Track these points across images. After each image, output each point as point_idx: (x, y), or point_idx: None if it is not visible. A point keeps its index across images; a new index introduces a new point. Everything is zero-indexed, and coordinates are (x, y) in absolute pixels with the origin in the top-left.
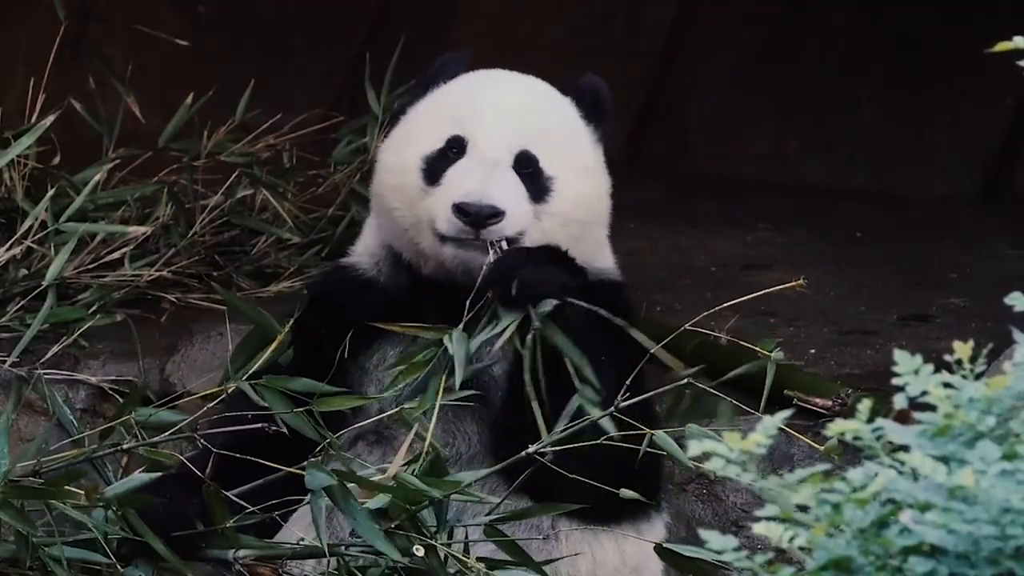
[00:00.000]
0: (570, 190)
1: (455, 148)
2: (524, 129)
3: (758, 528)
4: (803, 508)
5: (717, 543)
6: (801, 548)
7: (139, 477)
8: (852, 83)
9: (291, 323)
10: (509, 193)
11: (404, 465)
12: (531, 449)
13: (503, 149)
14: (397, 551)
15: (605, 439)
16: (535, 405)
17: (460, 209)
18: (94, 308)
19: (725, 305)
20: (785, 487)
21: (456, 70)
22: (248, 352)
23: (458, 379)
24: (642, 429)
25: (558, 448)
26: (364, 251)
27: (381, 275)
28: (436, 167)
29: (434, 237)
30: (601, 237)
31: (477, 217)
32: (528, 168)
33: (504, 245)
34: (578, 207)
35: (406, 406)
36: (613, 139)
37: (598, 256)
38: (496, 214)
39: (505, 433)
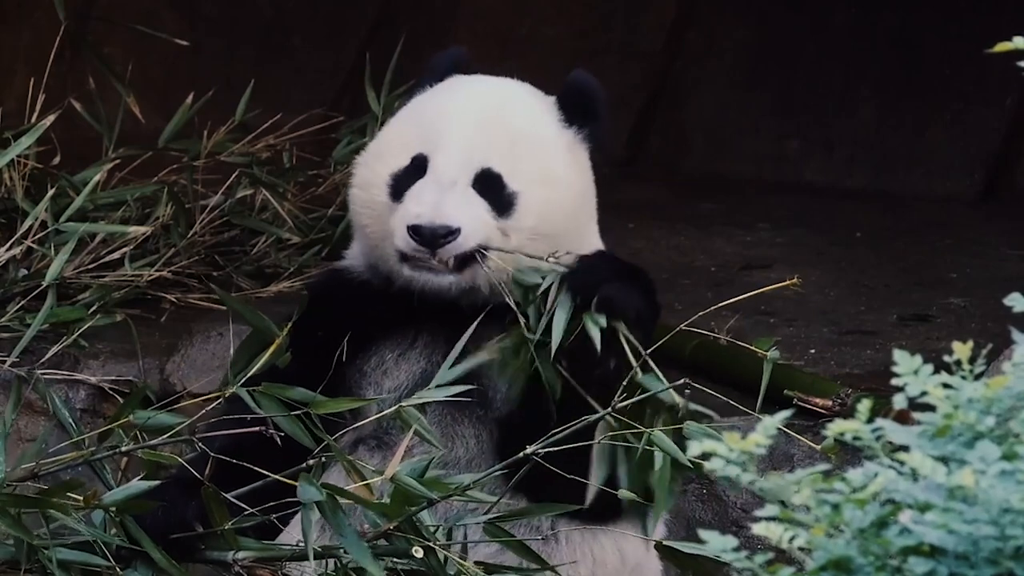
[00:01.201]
0: (534, 203)
1: (420, 166)
2: (485, 145)
3: (758, 528)
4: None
5: (717, 543)
6: (801, 548)
7: (137, 484)
8: (852, 83)
9: (289, 327)
10: (463, 210)
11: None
12: (529, 450)
13: (460, 168)
14: (383, 570)
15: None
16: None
17: (414, 229)
18: (94, 308)
19: (721, 304)
20: (784, 484)
21: (444, 72)
22: (248, 356)
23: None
24: (640, 429)
25: (556, 449)
26: (358, 253)
27: (376, 277)
28: (401, 184)
29: (395, 255)
30: (586, 239)
31: (431, 237)
32: (489, 184)
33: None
34: (544, 221)
35: (404, 403)
36: (613, 139)
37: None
38: (449, 233)
39: (516, 431)
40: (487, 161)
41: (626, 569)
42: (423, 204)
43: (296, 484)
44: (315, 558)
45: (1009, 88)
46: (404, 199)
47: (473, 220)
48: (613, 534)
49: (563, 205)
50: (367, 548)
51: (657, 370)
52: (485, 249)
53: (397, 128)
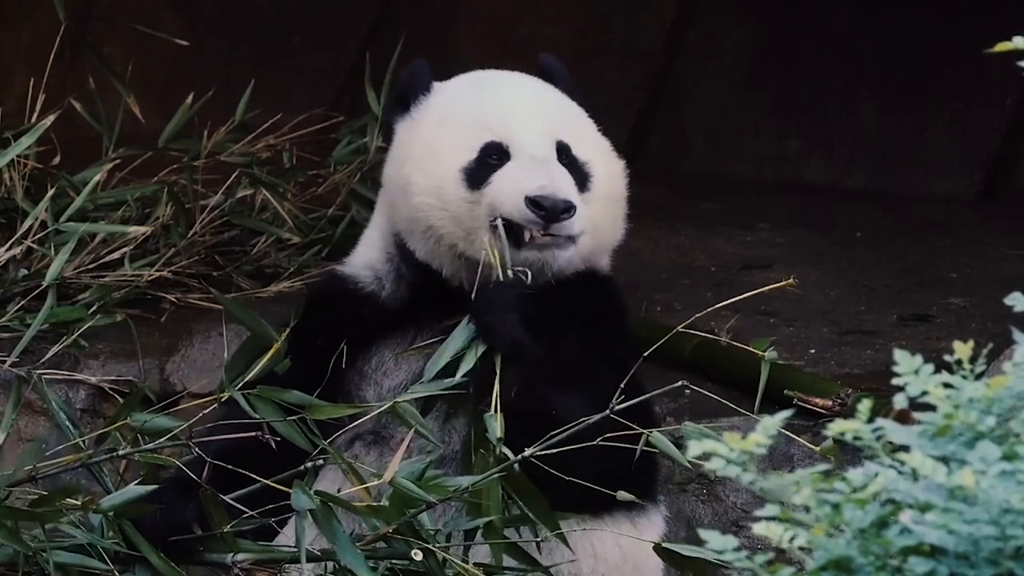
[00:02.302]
0: (602, 171)
1: (494, 155)
2: (551, 121)
3: (758, 528)
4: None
5: (717, 543)
6: (801, 548)
7: (135, 489)
8: (852, 83)
9: (288, 331)
10: (573, 189)
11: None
12: (527, 452)
13: (547, 145)
14: (383, 572)
15: (602, 439)
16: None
17: (535, 202)
18: (94, 308)
19: (719, 306)
20: (785, 484)
21: (426, 80)
22: (246, 359)
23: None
24: (636, 429)
25: (553, 452)
26: (364, 264)
27: (383, 290)
28: (478, 174)
29: (496, 235)
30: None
31: (552, 211)
32: (566, 158)
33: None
34: (615, 184)
35: (400, 399)
36: (613, 139)
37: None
38: (569, 208)
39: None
40: (559, 134)
41: (627, 565)
42: (539, 177)
43: (288, 489)
44: (313, 561)
45: (1009, 88)
46: (492, 182)
47: (579, 202)
48: (612, 529)
49: (619, 169)
50: (361, 555)
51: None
52: (582, 233)
53: (437, 131)
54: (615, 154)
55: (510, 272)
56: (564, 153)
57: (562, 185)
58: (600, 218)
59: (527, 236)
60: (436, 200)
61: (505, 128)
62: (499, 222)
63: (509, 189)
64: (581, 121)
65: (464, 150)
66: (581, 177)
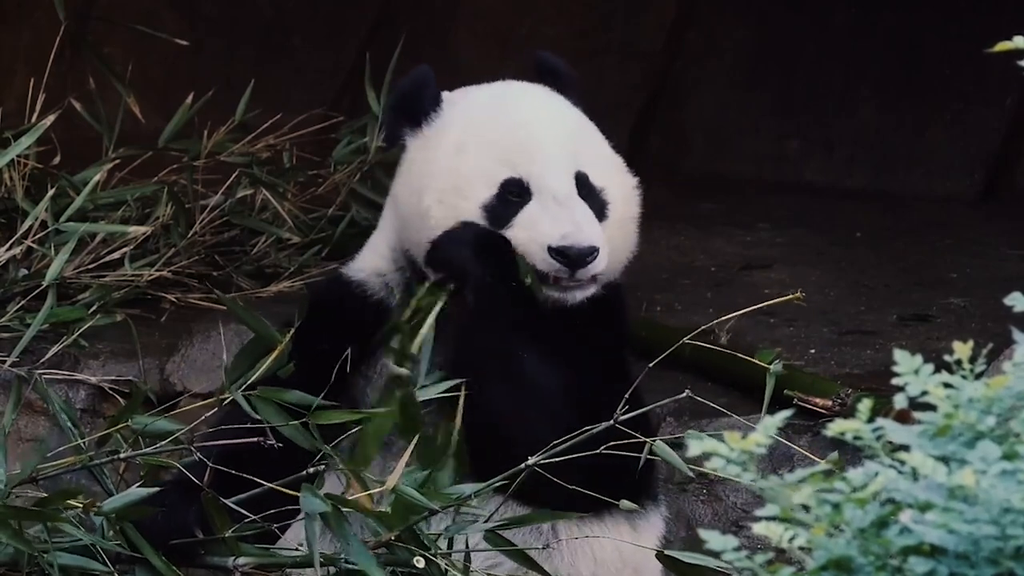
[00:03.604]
0: (618, 193)
1: (513, 191)
2: (569, 151)
3: (758, 528)
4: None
5: (717, 543)
6: (801, 548)
7: (136, 491)
8: (852, 83)
9: (291, 333)
10: (596, 228)
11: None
12: (531, 461)
13: (567, 181)
14: None
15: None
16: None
17: (560, 252)
18: (94, 308)
19: (722, 319)
20: (785, 487)
21: (433, 91)
22: (248, 361)
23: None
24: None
25: (555, 458)
26: (372, 270)
27: (393, 297)
28: (501, 213)
29: None
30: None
31: (577, 260)
32: (585, 189)
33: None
34: (629, 206)
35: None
36: (613, 139)
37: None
38: (593, 252)
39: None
40: (578, 163)
41: (627, 568)
42: (563, 224)
43: (296, 488)
44: (321, 565)
45: (1009, 88)
46: (514, 225)
47: (602, 238)
48: (611, 533)
49: (631, 184)
50: (372, 556)
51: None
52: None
53: (456, 160)
54: (626, 170)
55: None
56: (583, 184)
57: (586, 227)
58: (616, 239)
59: (551, 278)
60: None
61: (525, 163)
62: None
63: (532, 238)
64: (595, 141)
65: (485, 186)
66: (599, 205)
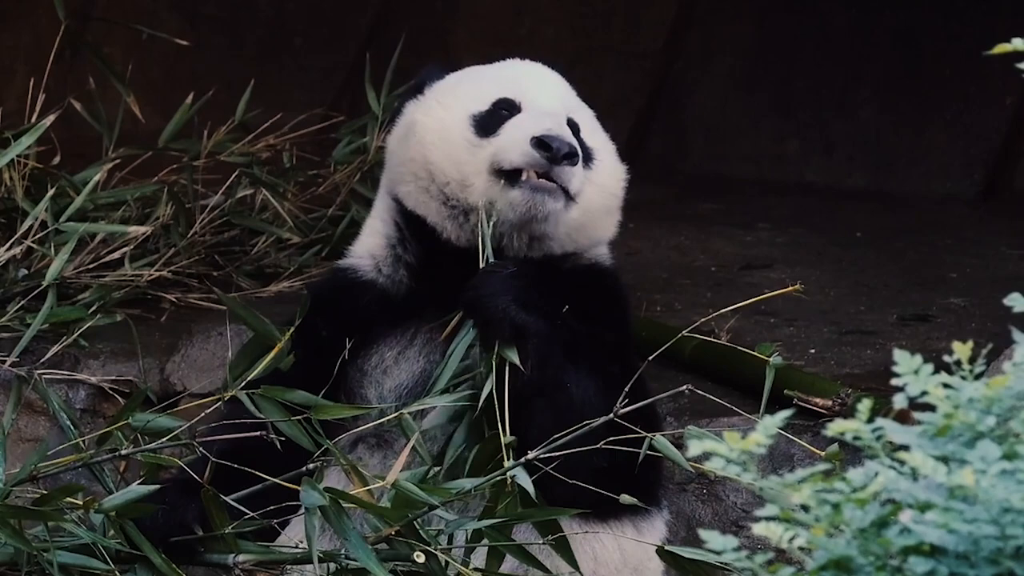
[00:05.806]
0: (607, 163)
1: (505, 109)
2: (565, 100)
3: (758, 528)
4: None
5: (717, 543)
6: (801, 548)
7: (136, 489)
8: (852, 83)
9: (291, 330)
10: (576, 144)
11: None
12: (530, 456)
13: (559, 106)
14: (388, 573)
15: (605, 443)
16: (499, 423)
17: (541, 142)
18: (94, 308)
19: (722, 311)
20: (785, 487)
21: (440, 73)
22: (249, 359)
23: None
24: (639, 432)
25: (558, 455)
26: (364, 252)
27: (381, 275)
28: (487, 123)
29: (494, 181)
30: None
31: (557, 152)
32: (576, 132)
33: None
34: (613, 179)
35: (406, 412)
36: (613, 139)
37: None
38: (573, 154)
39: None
40: (570, 112)
41: (627, 568)
42: (547, 122)
43: (295, 486)
44: (320, 560)
45: (1009, 88)
46: (502, 131)
47: (580, 160)
48: (614, 533)
49: (619, 170)
50: (372, 551)
51: None
52: (576, 196)
53: (456, 87)
54: (618, 159)
55: (490, 256)
56: (574, 129)
57: (568, 136)
58: (594, 203)
59: (524, 176)
60: (439, 139)
61: (520, 88)
62: (483, 203)
63: (517, 134)
64: (590, 117)
65: (477, 101)
66: (586, 154)
